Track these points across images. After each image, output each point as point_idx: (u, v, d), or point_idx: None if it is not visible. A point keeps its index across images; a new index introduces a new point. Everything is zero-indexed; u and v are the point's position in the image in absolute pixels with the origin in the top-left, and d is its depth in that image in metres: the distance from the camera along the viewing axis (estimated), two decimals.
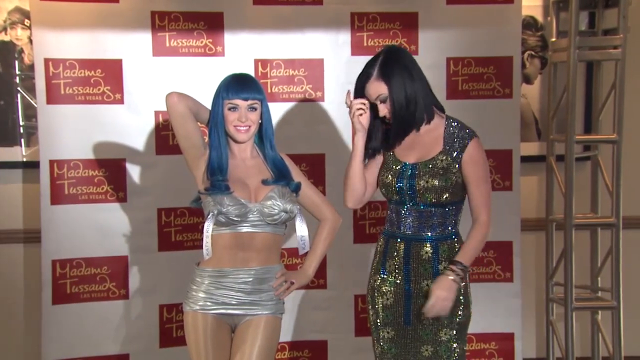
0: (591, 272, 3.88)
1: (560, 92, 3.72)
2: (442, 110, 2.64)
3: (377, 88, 2.52)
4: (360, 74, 2.57)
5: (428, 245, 2.58)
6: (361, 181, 2.65)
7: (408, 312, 2.61)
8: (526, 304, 3.88)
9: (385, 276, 2.65)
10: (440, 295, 2.49)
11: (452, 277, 2.50)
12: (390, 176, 2.60)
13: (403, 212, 2.61)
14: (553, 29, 3.77)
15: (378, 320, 2.67)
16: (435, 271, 2.57)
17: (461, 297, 2.58)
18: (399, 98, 2.50)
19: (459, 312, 2.58)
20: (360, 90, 2.57)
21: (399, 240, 2.63)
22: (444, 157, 2.54)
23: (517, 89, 3.68)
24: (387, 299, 2.64)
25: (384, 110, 2.55)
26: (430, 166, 2.55)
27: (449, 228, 2.60)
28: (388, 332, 2.65)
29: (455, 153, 2.54)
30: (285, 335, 3.51)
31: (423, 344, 2.59)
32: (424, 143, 2.58)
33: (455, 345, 2.59)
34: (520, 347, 3.75)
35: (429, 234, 2.58)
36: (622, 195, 3.66)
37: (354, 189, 2.67)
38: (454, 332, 2.58)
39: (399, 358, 2.65)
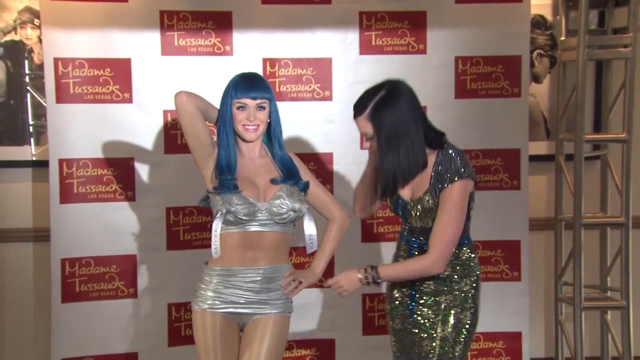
0: (600, 272, 3.86)
1: (569, 91, 3.71)
2: (438, 141, 2.53)
3: (365, 127, 2.50)
4: (358, 99, 2.52)
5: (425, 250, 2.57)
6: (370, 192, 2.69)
7: (412, 305, 2.62)
8: (535, 304, 3.88)
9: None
10: (340, 284, 2.57)
11: (359, 276, 2.55)
12: (390, 204, 2.64)
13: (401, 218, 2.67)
14: (562, 28, 3.75)
15: (389, 315, 2.72)
16: (436, 275, 2.56)
17: (470, 300, 2.58)
18: (387, 153, 2.46)
19: (466, 314, 2.58)
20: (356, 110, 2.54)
21: (403, 241, 2.68)
22: (429, 198, 2.51)
23: (525, 88, 3.67)
24: (397, 293, 2.68)
25: (368, 145, 2.54)
26: (419, 207, 2.53)
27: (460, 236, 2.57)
28: (396, 324, 2.69)
29: (438, 191, 2.49)
30: (293, 334, 3.51)
31: (425, 338, 2.59)
32: (415, 180, 2.55)
33: (455, 345, 2.57)
34: (528, 347, 3.75)
35: (421, 241, 2.60)
36: (632, 194, 3.64)
37: (364, 199, 2.71)
38: (457, 333, 2.57)
39: (403, 351, 2.67)
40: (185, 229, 3.59)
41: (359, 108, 2.50)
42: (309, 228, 2.65)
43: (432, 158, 2.52)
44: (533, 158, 3.74)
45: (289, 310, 2.68)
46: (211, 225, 2.58)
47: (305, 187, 2.67)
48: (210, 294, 2.60)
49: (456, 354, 2.58)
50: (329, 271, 3.59)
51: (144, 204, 3.54)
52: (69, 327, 3.49)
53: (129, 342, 3.57)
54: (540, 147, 3.92)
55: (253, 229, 2.57)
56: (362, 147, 2.56)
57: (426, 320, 2.59)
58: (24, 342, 3.77)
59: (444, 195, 2.47)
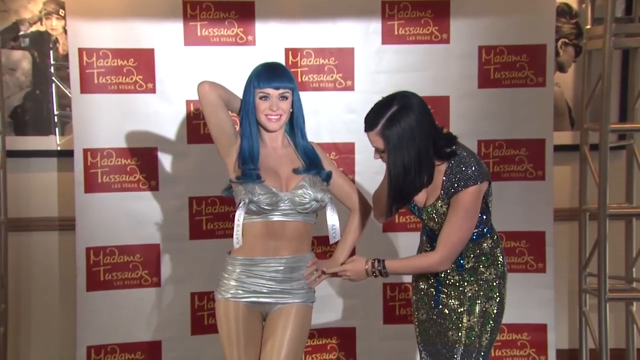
0: (626, 263, 3.82)
1: (594, 80, 3.66)
2: (450, 152, 2.52)
3: (377, 142, 2.50)
4: (370, 113, 2.52)
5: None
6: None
7: (438, 296, 2.62)
8: (559, 295, 3.85)
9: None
10: (347, 273, 2.64)
11: (366, 267, 2.59)
12: (408, 207, 2.66)
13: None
14: (588, 16, 3.70)
15: (414, 305, 2.73)
16: (459, 265, 2.57)
17: (496, 290, 2.58)
18: (396, 169, 2.47)
19: (492, 305, 2.58)
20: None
21: (430, 237, 2.67)
22: (442, 204, 2.52)
23: (550, 77, 3.63)
24: (422, 284, 2.69)
25: (378, 158, 2.56)
26: (433, 213, 2.55)
27: (481, 228, 2.58)
28: (421, 315, 2.70)
29: (449, 198, 2.50)
30: (314, 322, 3.52)
31: (451, 329, 2.59)
32: (429, 187, 2.56)
33: (482, 335, 2.57)
34: (554, 338, 3.72)
35: None
36: None
37: (382, 206, 2.71)
38: (483, 323, 2.57)
39: (429, 342, 2.67)
40: (208, 219, 3.61)
41: (370, 123, 2.50)
42: (332, 218, 2.65)
43: (443, 167, 2.52)
44: (557, 148, 3.70)
45: (312, 300, 2.69)
46: (234, 215, 2.59)
47: (327, 177, 2.67)
48: (233, 283, 2.62)
49: (483, 343, 2.58)
50: None
51: (167, 194, 3.57)
52: (94, 315, 3.53)
53: (153, 330, 3.61)
54: (564, 137, 3.88)
55: (276, 218, 2.58)
56: (375, 158, 2.57)
57: (452, 311, 2.59)
58: (50, 330, 3.83)
59: (455, 200, 2.48)
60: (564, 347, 3.98)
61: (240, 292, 2.61)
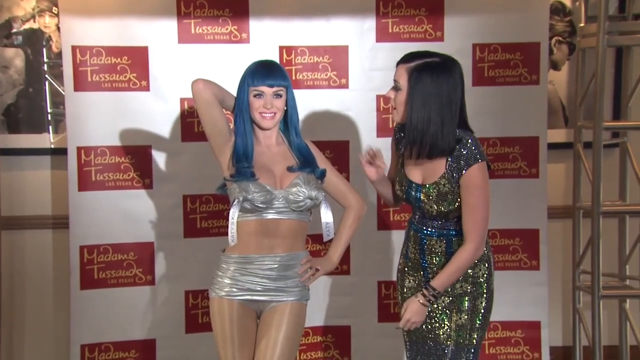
0: (619, 260, 3.84)
1: (588, 78, 3.67)
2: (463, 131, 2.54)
3: (401, 76, 2.49)
4: (413, 52, 2.53)
5: (436, 239, 2.60)
6: (388, 190, 2.73)
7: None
8: (553, 292, 3.85)
9: (407, 259, 2.69)
10: (410, 318, 2.55)
11: (421, 301, 2.54)
12: (399, 191, 2.64)
13: (414, 208, 2.67)
14: (582, 14, 3.71)
15: (401, 303, 2.71)
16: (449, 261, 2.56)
17: (484, 286, 2.58)
18: (418, 114, 2.45)
19: (481, 301, 2.58)
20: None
21: (412, 229, 2.67)
22: (445, 182, 2.51)
23: (544, 75, 3.63)
24: (410, 281, 2.67)
25: (391, 94, 2.53)
26: (434, 190, 2.53)
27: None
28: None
29: (456, 176, 2.49)
30: (309, 321, 3.53)
31: (440, 327, 2.59)
32: (430, 162, 2.54)
33: (472, 332, 2.57)
34: (547, 336, 3.73)
35: (434, 229, 2.61)
36: None
37: (385, 197, 2.77)
38: (472, 319, 2.57)
39: (417, 341, 2.65)
40: (202, 217, 3.61)
41: (406, 58, 2.51)
42: (326, 216, 2.65)
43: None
44: (551, 146, 3.71)
45: (306, 298, 2.69)
46: (228, 213, 2.59)
47: (322, 175, 2.68)
48: (227, 281, 2.62)
49: (473, 340, 2.58)
50: (345, 259, 3.61)
51: (161, 192, 3.56)
52: (88, 314, 3.53)
53: (147, 328, 3.60)
54: (558, 135, 3.89)
55: (270, 216, 2.58)
56: (387, 94, 2.55)
57: (440, 309, 2.59)
58: (44, 328, 3.82)
59: (466, 181, 2.46)
60: (557, 344, 4.00)
61: (234, 290, 2.61)
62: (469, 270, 2.57)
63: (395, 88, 2.52)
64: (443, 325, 2.58)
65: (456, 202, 2.52)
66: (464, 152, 2.47)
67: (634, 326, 3.74)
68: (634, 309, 3.76)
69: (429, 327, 2.61)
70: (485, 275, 2.59)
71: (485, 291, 2.59)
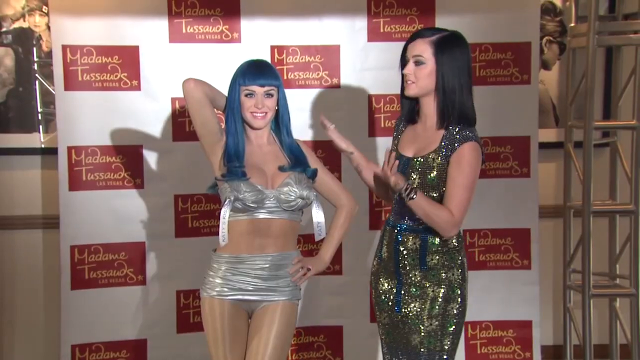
0: (609, 259, 3.85)
1: (578, 78, 3.69)
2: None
3: (423, 50, 2.47)
4: (418, 31, 2.54)
5: (412, 236, 2.56)
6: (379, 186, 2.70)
7: (399, 298, 2.60)
8: (544, 291, 3.87)
9: (380, 261, 2.67)
10: (388, 173, 2.44)
11: (401, 183, 2.43)
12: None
13: (394, 200, 2.63)
14: (572, 14, 3.73)
15: (376, 307, 2.69)
16: (422, 262, 2.53)
17: (457, 291, 2.55)
18: (447, 85, 2.46)
19: (453, 307, 2.54)
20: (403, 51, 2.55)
21: (388, 227, 2.65)
22: (436, 157, 2.49)
23: (535, 75, 3.65)
24: (384, 285, 2.65)
25: (410, 69, 2.50)
26: (423, 162, 2.51)
27: None
28: (384, 319, 2.66)
29: (448, 153, 2.48)
30: (301, 321, 3.53)
31: (412, 333, 2.56)
32: (425, 137, 2.54)
33: (442, 338, 2.54)
34: (539, 335, 3.74)
35: (411, 223, 2.57)
36: None
37: (381, 194, 2.74)
38: (444, 325, 2.54)
39: (392, 345, 2.64)
40: (194, 217, 3.60)
41: (422, 32, 2.52)
42: (318, 215, 2.65)
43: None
44: (542, 145, 3.72)
45: (297, 297, 2.69)
46: (219, 213, 2.59)
47: (313, 175, 2.67)
48: (218, 281, 2.61)
49: (445, 347, 2.55)
50: (337, 259, 3.61)
51: (152, 192, 3.55)
52: (79, 314, 3.51)
53: (138, 328, 3.59)
54: (549, 135, 3.90)
55: (261, 216, 2.57)
56: (405, 71, 2.52)
57: (414, 315, 2.55)
58: (35, 328, 3.80)
59: (458, 156, 2.45)
60: (548, 343, 4.01)
61: (225, 289, 2.60)
62: (442, 274, 2.54)
63: (417, 62, 2.49)
64: (416, 329, 2.55)
65: (440, 179, 2.48)
66: (462, 132, 2.49)
67: (624, 325, 3.76)
68: (624, 308, 3.77)
69: (402, 332, 2.58)
70: (459, 280, 2.55)
71: (458, 296, 2.55)
